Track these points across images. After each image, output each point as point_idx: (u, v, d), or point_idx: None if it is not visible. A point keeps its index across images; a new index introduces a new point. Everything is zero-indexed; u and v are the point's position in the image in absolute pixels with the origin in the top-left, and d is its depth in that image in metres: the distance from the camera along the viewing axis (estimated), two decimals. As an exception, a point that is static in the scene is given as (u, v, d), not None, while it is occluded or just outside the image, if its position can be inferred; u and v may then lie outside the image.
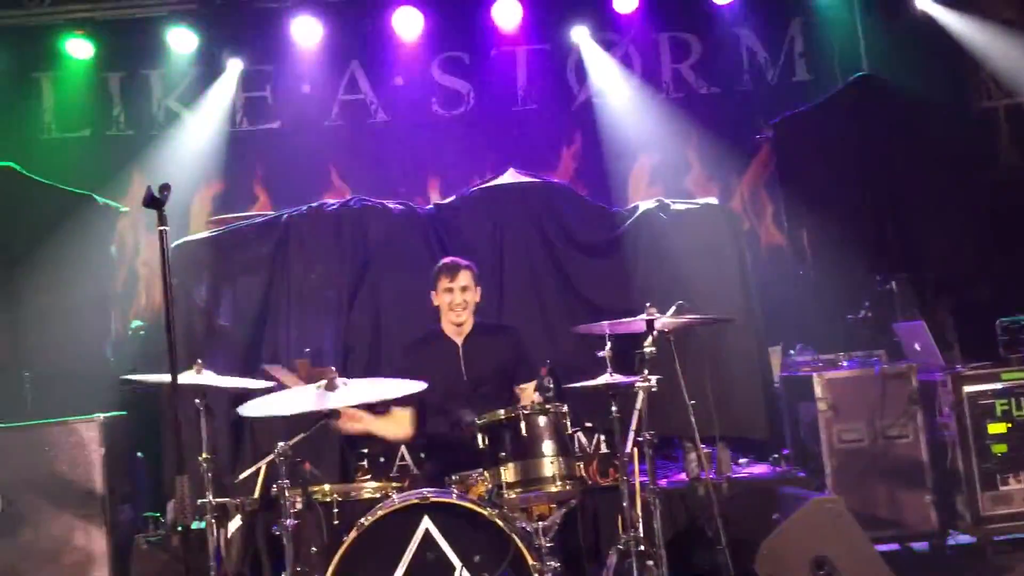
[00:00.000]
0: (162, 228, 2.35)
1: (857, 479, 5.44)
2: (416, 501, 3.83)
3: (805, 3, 7.81)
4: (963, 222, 6.87)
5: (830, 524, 4.63)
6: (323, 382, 3.95)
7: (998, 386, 5.41)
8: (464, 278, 4.76)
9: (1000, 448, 5.33)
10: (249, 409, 3.97)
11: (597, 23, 7.71)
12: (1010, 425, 5.36)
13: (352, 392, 3.94)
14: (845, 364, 5.84)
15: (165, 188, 2.53)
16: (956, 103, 7.40)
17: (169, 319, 2.35)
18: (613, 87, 7.85)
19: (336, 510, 4.00)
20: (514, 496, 3.98)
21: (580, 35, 7.70)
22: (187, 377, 4.04)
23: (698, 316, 4.52)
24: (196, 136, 7.57)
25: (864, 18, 7.66)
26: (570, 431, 4.19)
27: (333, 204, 6.06)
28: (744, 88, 7.94)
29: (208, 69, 7.58)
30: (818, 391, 5.58)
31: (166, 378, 3.30)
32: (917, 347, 5.75)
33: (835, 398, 5.56)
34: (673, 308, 4.44)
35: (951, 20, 7.46)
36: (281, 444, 3.74)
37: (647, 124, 7.78)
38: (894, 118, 6.90)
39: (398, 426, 4.78)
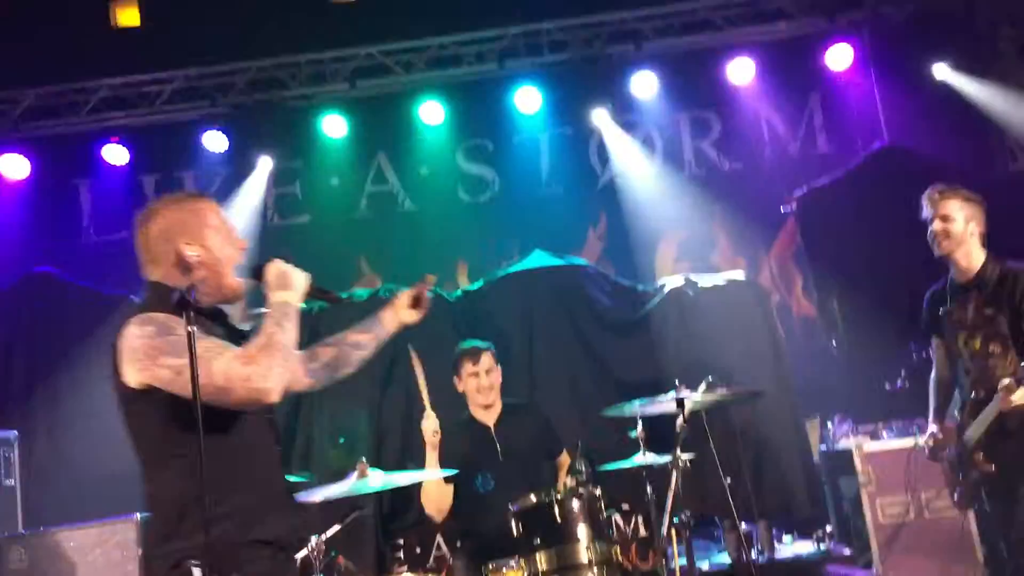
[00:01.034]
0: (191, 329, 2.38)
1: (905, 555, 5.28)
2: (452, 592, 3.79)
3: (823, 76, 7.90)
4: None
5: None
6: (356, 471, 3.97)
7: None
8: (487, 360, 4.79)
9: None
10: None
11: (617, 106, 7.83)
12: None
13: (383, 479, 3.95)
14: (885, 435, 5.74)
15: (191, 288, 2.57)
16: (982, 169, 7.40)
17: (199, 418, 2.37)
18: (636, 167, 7.94)
19: (372, 603, 3.97)
20: (551, 584, 3.91)
21: (601, 118, 7.83)
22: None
23: (728, 391, 4.49)
24: (229, 233, 7.72)
25: (882, 89, 7.73)
26: (605, 514, 4.14)
27: (364, 293, 6.15)
28: (766, 162, 8.00)
29: (239, 167, 7.78)
30: (858, 464, 5.47)
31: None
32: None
33: (876, 471, 5.45)
34: (703, 384, 4.41)
35: (970, 87, 7.51)
36: (314, 538, 3.74)
37: (671, 201, 7.84)
38: (919, 186, 6.88)
39: (443, 493, 4.70)
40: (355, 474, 3.93)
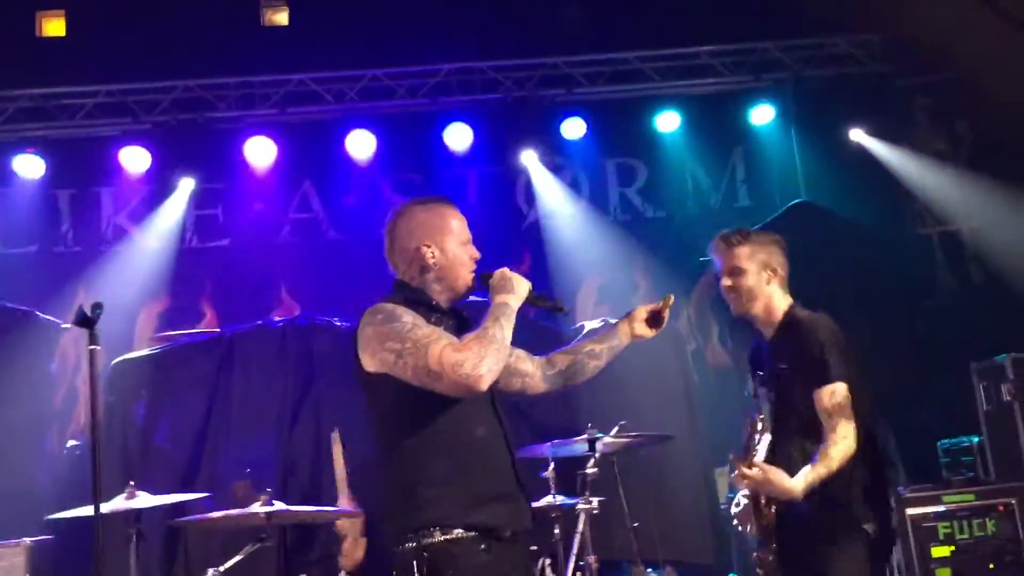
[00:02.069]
0: (92, 348, 2.32)
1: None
2: (350, 630, 3.71)
3: (746, 131, 8.13)
4: (903, 345, 7.02)
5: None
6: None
7: (940, 508, 5.43)
8: None
9: (944, 572, 5.31)
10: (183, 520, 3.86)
11: (546, 147, 7.92)
12: (953, 548, 5.36)
13: (288, 513, 3.87)
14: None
15: (97, 307, 2.51)
16: (892, 230, 7.68)
17: (95, 443, 2.29)
18: (561, 209, 8.02)
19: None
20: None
21: (529, 159, 7.90)
22: (116, 503, 3.93)
23: (639, 435, 4.53)
24: (145, 253, 7.54)
25: (802, 147, 7.98)
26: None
27: (279, 321, 6.06)
28: (689, 212, 8.15)
29: (160, 187, 7.62)
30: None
31: (89, 511, 3.19)
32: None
33: (781, 520, 5.52)
34: (616, 429, 4.45)
35: (884, 152, 7.81)
36: (212, 571, 3.63)
37: (595, 245, 7.93)
38: (833, 243, 7.11)
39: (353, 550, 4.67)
40: (257, 504, 3.84)
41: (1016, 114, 7.60)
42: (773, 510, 3.33)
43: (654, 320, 3.32)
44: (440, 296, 2.97)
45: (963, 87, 7.91)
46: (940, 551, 5.35)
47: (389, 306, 2.82)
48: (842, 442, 3.24)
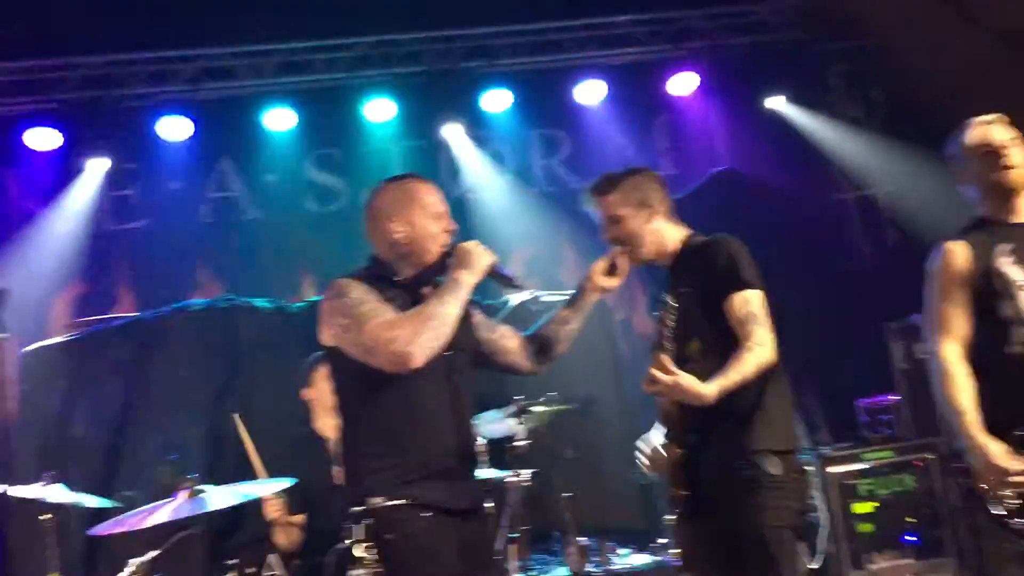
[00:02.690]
0: (0, 336, 2.21)
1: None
2: (281, 613, 3.65)
3: (668, 101, 8.17)
4: (822, 308, 7.17)
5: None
6: (185, 492, 3.79)
7: (861, 466, 5.58)
8: (320, 378, 4.68)
9: (866, 527, 5.46)
10: (103, 528, 3.74)
11: (469, 120, 7.85)
12: (876, 504, 5.52)
13: (217, 498, 3.78)
14: (718, 450, 5.92)
15: (3, 294, 2.41)
16: (811, 195, 7.82)
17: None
18: (486, 182, 7.98)
19: (197, 628, 3.79)
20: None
21: (452, 132, 7.83)
22: (32, 491, 3.80)
23: (566, 405, 4.54)
24: (56, 237, 7.26)
25: (722, 115, 8.06)
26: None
27: (200, 304, 5.91)
28: (614, 182, 8.17)
29: (70, 167, 7.33)
30: (692, 478, 5.62)
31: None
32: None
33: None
34: (543, 399, 4.46)
35: (802, 119, 7.94)
36: (133, 561, 3.54)
37: (521, 217, 7.91)
38: (753, 210, 7.22)
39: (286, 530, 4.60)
40: (183, 493, 3.74)
41: (928, 81, 7.79)
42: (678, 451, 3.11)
43: (612, 270, 3.33)
44: (408, 271, 3.02)
45: (878, 54, 8.07)
46: (861, 507, 5.50)
47: (343, 281, 2.92)
48: (758, 348, 2.98)
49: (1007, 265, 3.14)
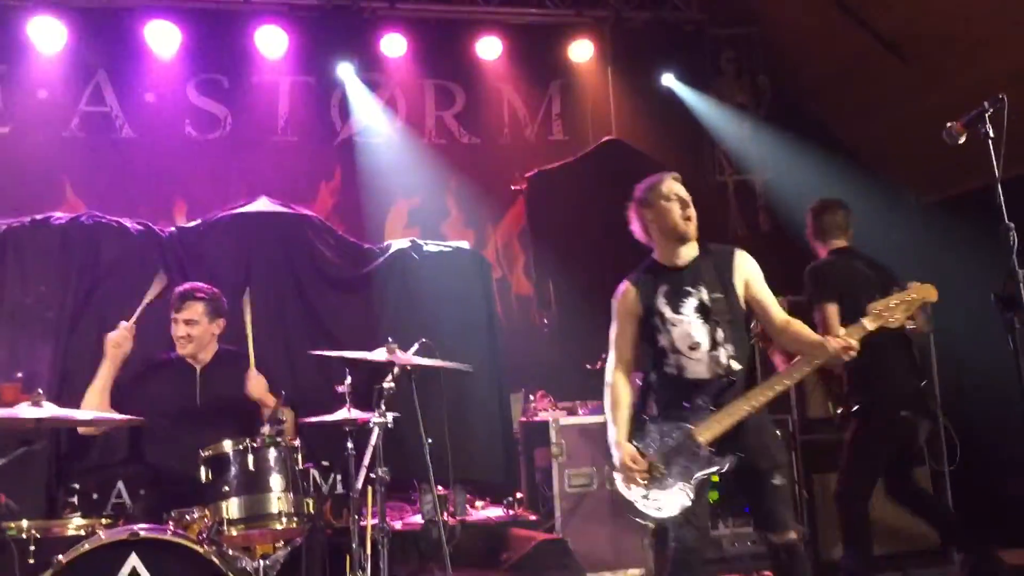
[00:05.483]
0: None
1: (584, 521, 5.61)
2: (124, 538, 3.54)
3: (564, 67, 8.22)
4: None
5: (555, 563, 4.74)
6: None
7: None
8: (191, 311, 4.54)
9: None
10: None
11: (364, 62, 7.70)
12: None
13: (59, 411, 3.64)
14: (580, 412, 6.06)
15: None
16: (694, 174, 8.00)
17: None
18: (376, 127, 7.86)
19: (33, 547, 3.63)
20: (236, 533, 3.79)
21: (346, 72, 7.66)
22: None
23: (439, 363, 4.53)
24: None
25: (616, 86, 8.16)
26: (303, 467, 4.06)
27: (61, 218, 5.59)
28: (504, 141, 8.19)
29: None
30: (553, 437, 5.74)
31: None
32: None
33: (569, 444, 5.74)
34: (416, 346, 4.43)
35: (692, 99, 8.12)
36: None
37: (408, 167, 7.84)
38: (635, 183, 7.32)
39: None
40: (27, 404, 3.58)
41: (809, 73, 8.09)
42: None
43: None
44: None
45: (767, 44, 8.31)
46: (711, 475, 5.69)
47: None
48: None
49: (663, 305, 3.73)
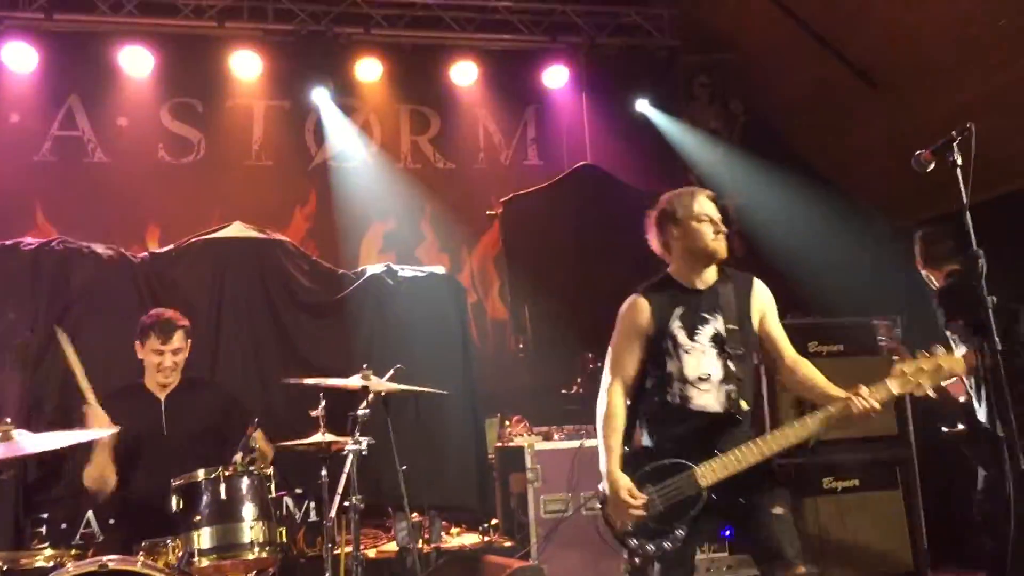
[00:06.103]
0: None
1: (560, 547, 5.57)
2: (93, 569, 3.46)
3: (539, 92, 8.26)
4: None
5: (530, 591, 4.71)
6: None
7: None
8: (178, 339, 4.46)
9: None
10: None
11: (339, 87, 7.69)
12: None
13: (32, 441, 3.56)
14: (556, 437, 6.04)
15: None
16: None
17: None
18: (351, 152, 7.85)
19: (-2, 580, 3.56)
20: (207, 564, 3.72)
21: (321, 96, 7.65)
22: None
23: (414, 388, 4.51)
24: None
25: (591, 112, 8.21)
26: (275, 495, 4.01)
27: (32, 243, 5.55)
28: (479, 166, 8.22)
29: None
30: (528, 462, 5.71)
31: None
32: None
33: (544, 469, 5.71)
34: (391, 372, 4.41)
35: (666, 124, 8.19)
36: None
37: (383, 191, 7.83)
38: (610, 208, 7.37)
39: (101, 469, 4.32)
40: (-6, 435, 3.51)
41: (782, 99, 8.19)
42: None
43: None
44: None
45: (740, 70, 8.40)
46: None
47: None
48: None
49: (678, 329, 3.47)
